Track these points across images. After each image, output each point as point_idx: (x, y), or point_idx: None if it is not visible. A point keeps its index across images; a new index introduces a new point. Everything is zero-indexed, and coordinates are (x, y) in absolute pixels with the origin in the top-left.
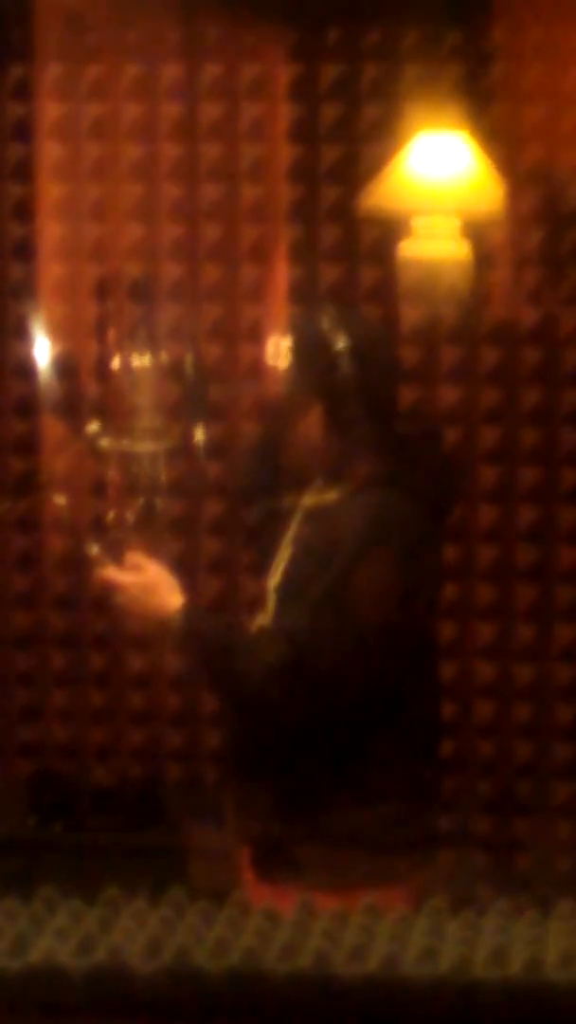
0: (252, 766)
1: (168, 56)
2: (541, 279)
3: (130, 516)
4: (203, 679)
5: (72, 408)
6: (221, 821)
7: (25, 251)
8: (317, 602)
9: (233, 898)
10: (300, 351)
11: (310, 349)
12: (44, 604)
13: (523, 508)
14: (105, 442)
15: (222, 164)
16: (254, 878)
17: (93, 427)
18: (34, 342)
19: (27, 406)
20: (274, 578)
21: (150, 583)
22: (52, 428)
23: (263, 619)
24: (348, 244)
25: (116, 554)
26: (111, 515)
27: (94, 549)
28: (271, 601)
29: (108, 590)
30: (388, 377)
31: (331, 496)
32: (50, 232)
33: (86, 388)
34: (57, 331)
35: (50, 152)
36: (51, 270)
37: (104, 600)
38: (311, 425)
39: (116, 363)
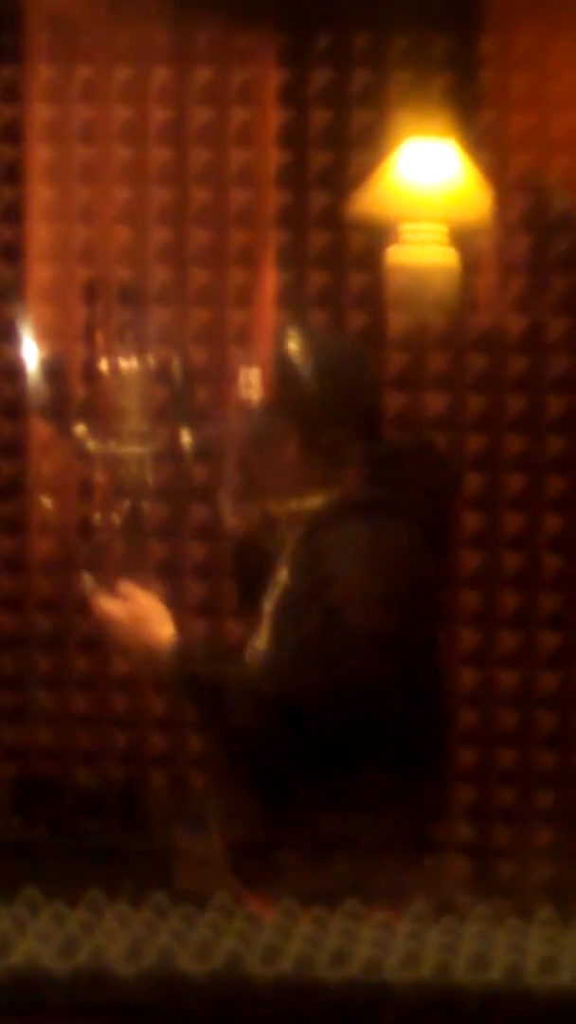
0: (236, 774)
1: (158, 60)
2: (528, 286)
3: (116, 519)
4: (193, 715)
5: (59, 411)
6: (205, 826)
7: (14, 253)
8: (309, 641)
9: (216, 901)
10: (271, 379)
11: (278, 375)
12: (29, 606)
13: (509, 515)
14: (92, 445)
15: (211, 168)
16: (237, 884)
17: (80, 430)
18: (22, 344)
19: (14, 408)
20: (269, 602)
21: (141, 615)
22: (39, 430)
23: (259, 643)
24: (336, 250)
25: (101, 559)
26: (97, 518)
27: (88, 582)
28: (265, 627)
29: (102, 623)
30: (364, 392)
31: (324, 518)
32: (39, 234)
33: (73, 391)
34: (45, 333)
35: (39, 155)
36: (40, 272)
37: (99, 635)
38: (291, 451)
39: (104, 366)
